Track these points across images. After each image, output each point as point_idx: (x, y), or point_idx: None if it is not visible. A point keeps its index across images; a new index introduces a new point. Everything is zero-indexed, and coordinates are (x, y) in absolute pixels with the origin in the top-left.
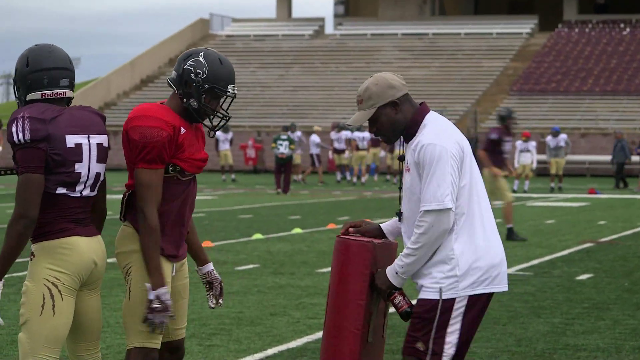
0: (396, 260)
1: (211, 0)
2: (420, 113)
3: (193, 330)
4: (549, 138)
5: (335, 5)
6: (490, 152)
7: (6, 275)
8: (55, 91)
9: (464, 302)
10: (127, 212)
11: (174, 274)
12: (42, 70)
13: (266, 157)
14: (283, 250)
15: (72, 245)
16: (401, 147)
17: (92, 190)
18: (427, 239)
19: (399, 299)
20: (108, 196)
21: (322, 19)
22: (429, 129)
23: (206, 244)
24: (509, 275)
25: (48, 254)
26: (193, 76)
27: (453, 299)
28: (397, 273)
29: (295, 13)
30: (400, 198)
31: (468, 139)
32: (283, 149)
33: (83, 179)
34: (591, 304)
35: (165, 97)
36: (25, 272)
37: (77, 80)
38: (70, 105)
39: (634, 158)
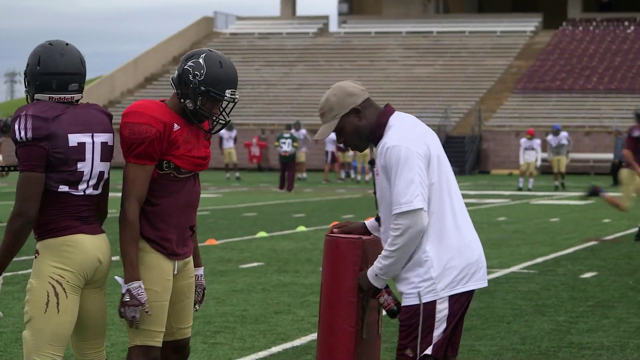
0: (375, 262)
1: None
2: (384, 115)
3: (197, 328)
4: (550, 137)
5: (339, 3)
6: (635, 151)
7: (10, 273)
8: (63, 96)
9: (446, 304)
10: None
11: (175, 272)
12: (52, 74)
13: (270, 155)
14: (287, 248)
15: (76, 243)
16: (371, 151)
17: (95, 188)
18: (403, 240)
19: (384, 297)
20: (112, 194)
21: (326, 17)
22: (393, 131)
23: (210, 241)
24: (513, 273)
25: (52, 252)
26: (191, 77)
27: (434, 302)
28: (377, 275)
29: (300, 11)
30: (376, 202)
31: (472, 137)
32: (286, 147)
33: (86, 177)
34: (595, 302)
35: (169, 96)
36: (29, 270)
37: None
38: (76, 103)
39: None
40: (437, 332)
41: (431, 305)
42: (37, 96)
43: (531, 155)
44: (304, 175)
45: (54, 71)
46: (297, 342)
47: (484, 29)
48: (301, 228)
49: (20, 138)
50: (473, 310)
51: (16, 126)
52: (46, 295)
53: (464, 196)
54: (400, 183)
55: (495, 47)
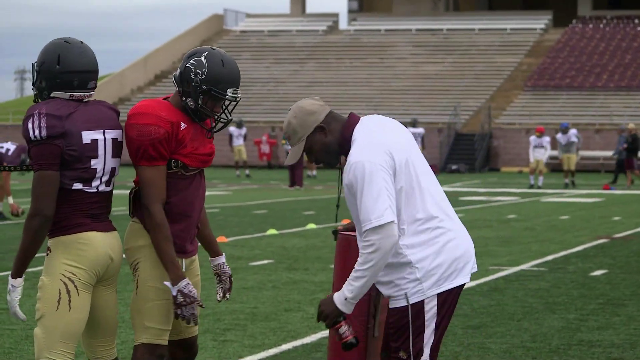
0: (345, 286)
1: None
2: (347, 128)
3: (207, 326)
4: (559, 135)
5: (349, 1)
6: None
7: None
8: (82, 93)
9: (434, 302)
10: (135, 208)
11: (184, 270)
12: (74, 73)
13: (280, 153)
14: (297, 245)
15: (88, 240)
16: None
17: (107, 185)
18: (376, 256)
19: (344, 328)
20: (121, 191)
21: (336, 15)
22: (355, 145)
23: (220, 239)
24: (523, 270)
25: (64, 249)
26: (192, 76)
27: (422, 302)
28: (346, 299)
29: (309, 9)
30: (336, 216)
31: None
32: None
33: (99, 174)
34: (606, 300)
35: None
36: (40, 268)
37: None
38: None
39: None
40: (428, 331)
41: (419, 305)
42: (55, 94)
43: (540, 152)
44: (314, 172)
45: (76, 69)
46: (307, 340)
47: (494, 27)
48: (311, 225)
49: (35, 137)
50: (483, 307)
51: (29, 125)
52: (58, 293)
53: (474, 194)
54: (368, 199)
55: (505, 45)
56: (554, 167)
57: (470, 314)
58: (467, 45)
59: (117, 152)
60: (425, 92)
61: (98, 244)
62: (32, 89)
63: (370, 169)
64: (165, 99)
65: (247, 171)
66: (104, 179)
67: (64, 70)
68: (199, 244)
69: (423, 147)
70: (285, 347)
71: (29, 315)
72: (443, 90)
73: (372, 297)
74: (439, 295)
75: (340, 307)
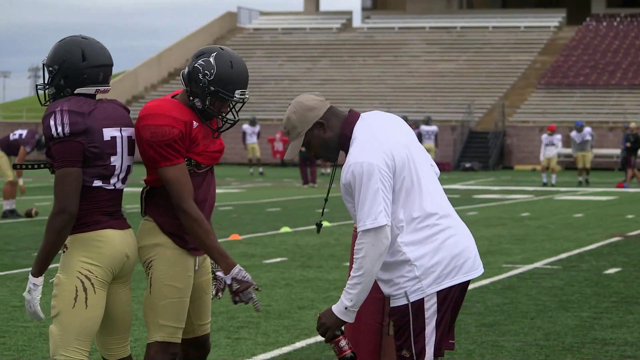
0: (342, 295)
1: None
2: (347, 126)
3: (221, 324)
4: (574, 133)
5: None
6: None
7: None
8: (105, 88)
9: (434, 300)
10: (147, 206)
11: (196, 268)
12: (100, 67)
13: None
14: (311, 243)
15: (105, 238)
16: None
17: (123, 182)
18: (368, 261)
19: (343, 342)
20: (132, 189)
21: (350, 13)
22: (355, 145)
23: (234, 237)
24: (537, 268)
25: (81, 247)
26: (200, 76)
27: (421, 300)
28: (346, 308)
29: (323, 6)
30: (323, 209)
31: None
32: None
33: (117, 171)
34: (619, 298)
35: None
36: (54, 265)
37: None
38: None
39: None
40: (429, 329)
41: (419, 303)
42: (80, 90)
43: (551, 150)
44: (328, 170)
45: (102, 63)
46: (320, 338)
47: (508, 25)
48: (325, 223)
49: (57, 134)
50: (497, 305)
51: (51, 122)
52: (74, 290)
53: (488, 192)
54: (366, 200)
55: (519, 43)
56: (568, 165)
57: (483, 312)
58: (480, 43)
59: (132, 149)
60: (438, 90)
61: (115, 242)
62: (39, 88)
63: (368, 171)
64: (173, 96)
65: (260, 169)
66: (121, 176)
67: (90, 65)
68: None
69: (436, 145)
70: (298, 344)
71: (44, 313)
72: (457, 88)
73: (385, 296)
74: (438, 292)
75: (340, 317)
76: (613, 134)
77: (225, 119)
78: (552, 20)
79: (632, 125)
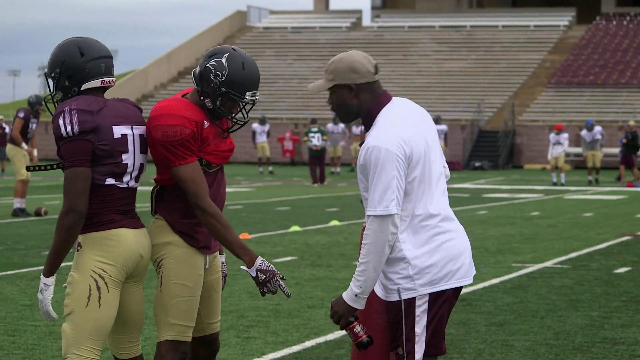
0: (352, 282)
1: None
2: (376, 106)
3: (231, 323)
4: (584, 132)
5: None
6: None
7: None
8: (110, 79)
9: (425, 299)
10: (157, 205)
11: (207, 266)
12: (100, 58)
13: (303, 150)
14: (320, 242)
15: (119, 237)
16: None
17: (136, 181)
18: (374, 248)
19: (358, 328)
20: (142, 188)
21: (360, 11)
22: (377, 127)
23: (244, 235)
24: (547, 268)
25: (95, 245)
26: (212, 77)
27: (413, 299)
28: (356, 295)
29: (333, 5)
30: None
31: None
32: (316, 140)
33: (129, 169)
34: (629, 297)
35: None
36: (66, 264)
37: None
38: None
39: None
40: (419, 327)
41: (411, 302)
42: (86, 85)
43: (558, 149)
44: (338, 169)
45: (101, 55)
46: (330, 337)
47: (518, 24)
48: (334, 222)
49: (67, 133)
50: (506, 305)
51: (60, 122)
52: (88, 289)
53: (497, 191)
54: (379, 186)
55: (528, 42)
56: (578, 164)
57: (493, 311)
58: (490, 42)
59: (144, 148)
60: (448, 89)
61: (129, 241)
62: (48, 101)
63: (386, 157)
64: (183, 95)
65: (270, 168)
66: (134, 174)
67: (89, 58)
68: None
69: (445, 144)
70: (308, 343)
71: (56, 311)
72: (466, 87)
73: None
74: (430, 294)
75: (351, 304)
76: (623, 133)
77: (235, 120)
78: (561, 19)
79: (632, 123)
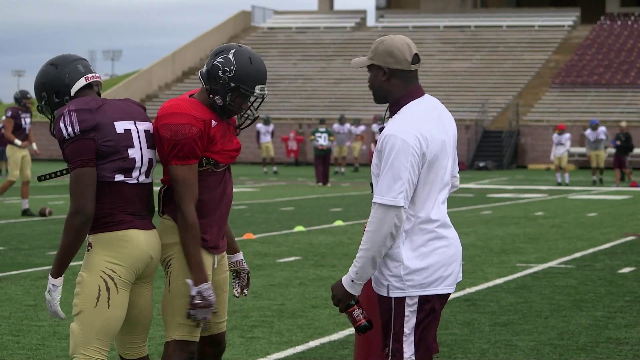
0: (351, 267)
1: None
2: (405, 97)
3: (235, 323)
4: (588, 132)
5: None
6: None
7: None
8: (93, 74)
9: (415, 300)
10: (165, 206)
11: (215, 266)
12: (73, 62)
13: (308, 150)
14: (325, 242)
15: (130, 237)
16: (385, 119)
17: (146, 176)
18: (377, 236)
19: (357, 312)
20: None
21: (364, 12)
22: (399, 117)
23: (248, 235)
24: (551, 268)
25: (106, 246)
26: (220, 73)
27: (403, 299)
28: (353, 280)
29: (337, 5)
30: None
31: (510, 132)
32: (322, 140)
33: (138, 164)
34: (634, 297)
35: None
36: (74, 263)
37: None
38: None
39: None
40: (407, 328)
41: (401, 302)
42: (74, 88)
43: (560, 150)
44: (343, 169)
45: (72, 60)
46: (334, 337)
47: (522, 24)
48: (338, 222)
49: (69, 134)
50: (511, 305)
51: (61, 124)
52: (97, 290)
53: (502, 191)
54: (389, 174)
55: (533, 42)
56: (582, 164)
57: (497, 311)
58: (495, 42)
59: (151, 143)
60: (453, 89)
61: (139, 242)
62: (50, 118)
63: (402, 148)
64: (190, 95)
65: (274, 168)
66: (143, 169)
67: (63, 66)
68: None
69: None
70: (312, 344)
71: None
72: (471, 87)
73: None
74: (420, 297)
75: (348, 288)
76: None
77: (246, 115)
78: (566, 19)
79: (623, 124)
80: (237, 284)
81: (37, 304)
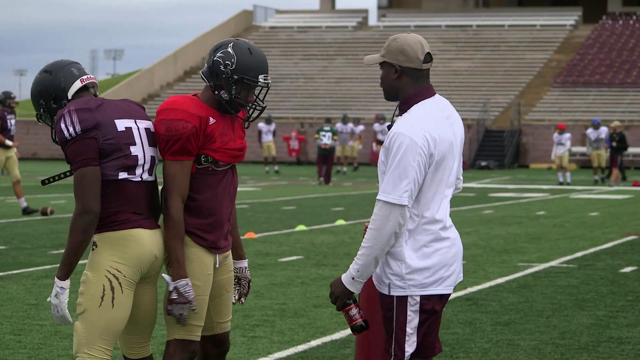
0: (351, 265)
1: None
2: (416, 96)
3: (236, 322)
4: (589, 131)
5: None
6: None
7: (52, 266)
8: (88, 76)
9: (417, 300)
10: None
11: (217, 265)
12: (67, 66)
13: (309, 149)
14: (326, 241)
15: (135, 237)
16: (394, 116)
17: (150, 174)
18: (379, 235)
19: (354, 310)
20: None
21: (366, 11)
22: (408, 116)
23: (250, 235)
24: (553, 267)
25: (111, 245)
26: (222, 67)
27: (405, 298)
28: (353, 278)
29: (339, 4)
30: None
31: (512, 131)
32: (326, 139)
33: (140, 161)
34: (635, 297)
35: None
36: (81, 262)
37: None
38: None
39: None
40: (410, 327)
41: (403, 301)
42: (70, 90)
43: (561, 149)
44: (345, 169)
45: (65, 64)
46: (336, 336)
47: (524, 23)
48: (340, 221)
49: (70, 135)
50: (512, 304)
51: (62, 125)
52: (102, 289)
53: (503, 190)
54: (395, 173)
55: (534, 41)
56: (584, 163)
57: (499, 311)
58: (496, 41)
59: (152, 141)
60: (454, 88)
61: (144, 241)
62: (51, 125)
63: (409, 147)
64: (195, 95)
65: (276, 167)
66: (146, 167)
67: (58, 71)
68: None
69: None
70: (314, 343)
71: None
72: (472, 87)
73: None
74: (422, 297)
75: (348, 286)
76: (629, 133)
77: (254, 106)
78: (568, 18)
79: (616, 123)
80: (236, 291)
81: (38, 303)
